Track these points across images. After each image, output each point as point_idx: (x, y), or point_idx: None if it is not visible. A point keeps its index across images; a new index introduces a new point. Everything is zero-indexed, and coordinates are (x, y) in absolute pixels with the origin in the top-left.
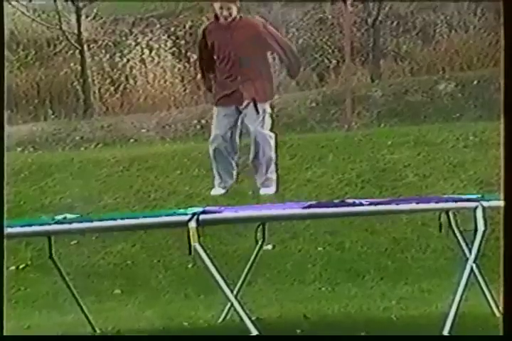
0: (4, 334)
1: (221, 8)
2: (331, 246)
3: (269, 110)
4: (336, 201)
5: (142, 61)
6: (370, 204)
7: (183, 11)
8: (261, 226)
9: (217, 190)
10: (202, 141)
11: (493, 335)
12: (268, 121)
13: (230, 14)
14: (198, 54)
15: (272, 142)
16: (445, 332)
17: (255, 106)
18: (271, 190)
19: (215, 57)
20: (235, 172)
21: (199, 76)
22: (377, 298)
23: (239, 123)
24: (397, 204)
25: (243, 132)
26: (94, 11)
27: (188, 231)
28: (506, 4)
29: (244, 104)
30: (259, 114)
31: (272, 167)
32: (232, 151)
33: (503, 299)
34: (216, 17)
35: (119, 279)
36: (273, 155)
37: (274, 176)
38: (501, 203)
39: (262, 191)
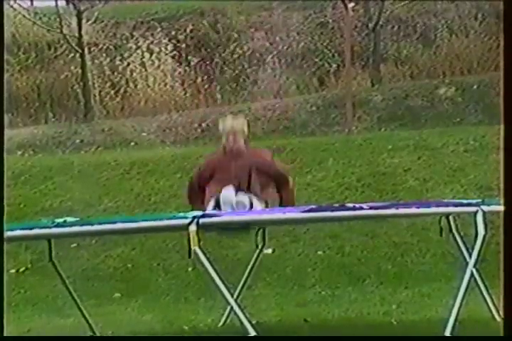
0: (4, 334)
1: (227, 138)
2: (331, 251)
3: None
4: (336, 205)
5: (143, 64)
6: (371, 208)
7: (183, 14)
8: (261, 230)
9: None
10: (202, 145)
11: (494, 336)
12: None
13: (237, 145)
14: (195, 182)
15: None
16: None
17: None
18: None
19: (211, 185)
20: None
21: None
22: (377, 302)
23: None
24: (397, 208)
25: None
26: (95, 14)
27: (188, 235)
28: (506, 6)
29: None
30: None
31: None
32: None
33: (503, 300)
34: (224, 148)
35: (119, 283)
36: None
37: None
38: (501, 208)
39: None
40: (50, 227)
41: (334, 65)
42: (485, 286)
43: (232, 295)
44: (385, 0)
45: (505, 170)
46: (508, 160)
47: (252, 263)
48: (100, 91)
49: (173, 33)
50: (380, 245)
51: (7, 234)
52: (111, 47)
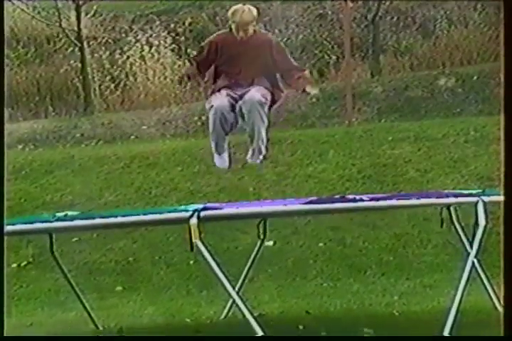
0: (4, 334)
1: (237, 28)
2: (333, 242)
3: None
4: (336, 197)
5: (142, 58)
6: (371, 199)
7: (182, 7)
8: (262, 222)
9: (219, 160)
10: (202, 138)
11: (494, 336)
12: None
13: (246, 34)
14: (202, 55)
15: (262, 110)
16: (447, 327)
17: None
18: (256, 160)
19: (219, 66)
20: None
21: (191, 71)
22: (379, 293)
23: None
24: (398, 199)
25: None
26: (94, 8)
27: (189, 228)
28: (506, 2)
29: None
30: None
31: (259, 136)
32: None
33: (503, 299)
34: (230, 29)
35: (120, 276)
36: (261, 124)
37: (261, 146)
38: (502, 198)
39: (249, 161)
40: (51, 221)
41: (334, 57)
42: (486, 276)
43: (233, 288)
44: None
45: (505, 160)
46: (508, 150)
47: (253, 255)
48: (100, 85)
49: (172, 26)
50: (381, 236)
51: (8, 228)
52: (110, 40)
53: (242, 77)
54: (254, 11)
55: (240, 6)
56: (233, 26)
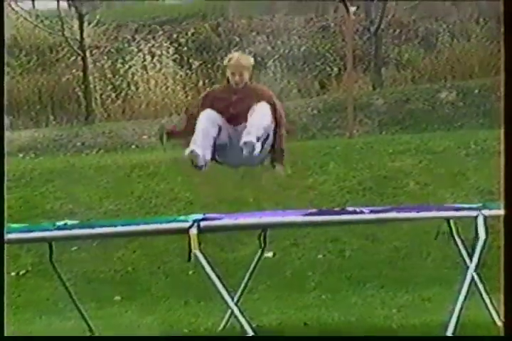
0: (5, 334)
1: (233, 73)
2: (332, 254)
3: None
4: (336, 209)
5: (144, 67)
6: (371, 212)
7: (185, 18)
8: (262, 234)
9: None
10: None
11: (494, 336)
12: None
13: (242, 80)
14: (195, 109)
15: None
16: None
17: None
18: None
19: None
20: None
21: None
22: (378, 306)
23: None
24: (398, 212)
25: None
26: (97, 17)
27: (189, 238)
28: (506, 5)
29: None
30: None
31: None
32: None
33: (503, 300)
34: (228, 81)
35: (119, 285)
36: (263, 121)
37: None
38: (502, 212)
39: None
40: (50, 230)
41: (335, 69)
42: (485, 290)
43: (232, 299)
44: (386, 3)
45: (505, 173)
46: (508, 163)
47: (252, 266)
48: (101, 94)
49: (175, 36)
50: (380, 249)
51: (8, 236)
52: (112, 50)
53: (232, 119)
54: (251, 59)
55: (236, 52)
56: (229, 71)
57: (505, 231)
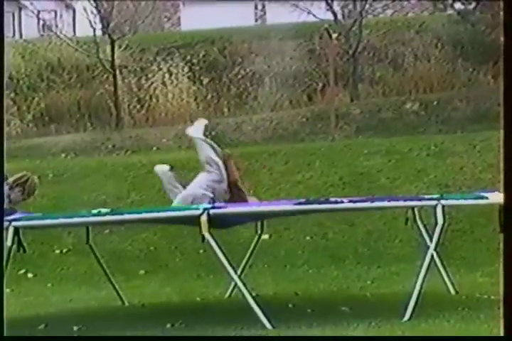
0: (4, 334)
1: None
2: (317, 236)
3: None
4: (321, 199)
5: (163, 83)
6: (350, 201)
7: (198, 42)
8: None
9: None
10: None
11: (494, 336)
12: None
13: None
14: None
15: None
16: (410, 306)
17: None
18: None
19: None
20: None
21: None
22: (355, 278)
23: None
24: (372, 202)
25: None
26: (126, 42)
27: (200, 223)
28: (506, 4)
29: None
30: None
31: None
32: None
33: (503, 300)
34: None
35: (143, 262)
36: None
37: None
38: (458, 202)
39: None
40: (87, 216)
41: (320, 84)
42: (443, 266)
43: (236, 273)
44: (362, 31)
45: (504, 167)
46: (507, 157)
47: (252, 246)
48: (129, 105)
49: (189, 57)
50: (357, 232)
51: (53, 221)
52: (138, 69)
53: None
54: None
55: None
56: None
57: (504, 224)
